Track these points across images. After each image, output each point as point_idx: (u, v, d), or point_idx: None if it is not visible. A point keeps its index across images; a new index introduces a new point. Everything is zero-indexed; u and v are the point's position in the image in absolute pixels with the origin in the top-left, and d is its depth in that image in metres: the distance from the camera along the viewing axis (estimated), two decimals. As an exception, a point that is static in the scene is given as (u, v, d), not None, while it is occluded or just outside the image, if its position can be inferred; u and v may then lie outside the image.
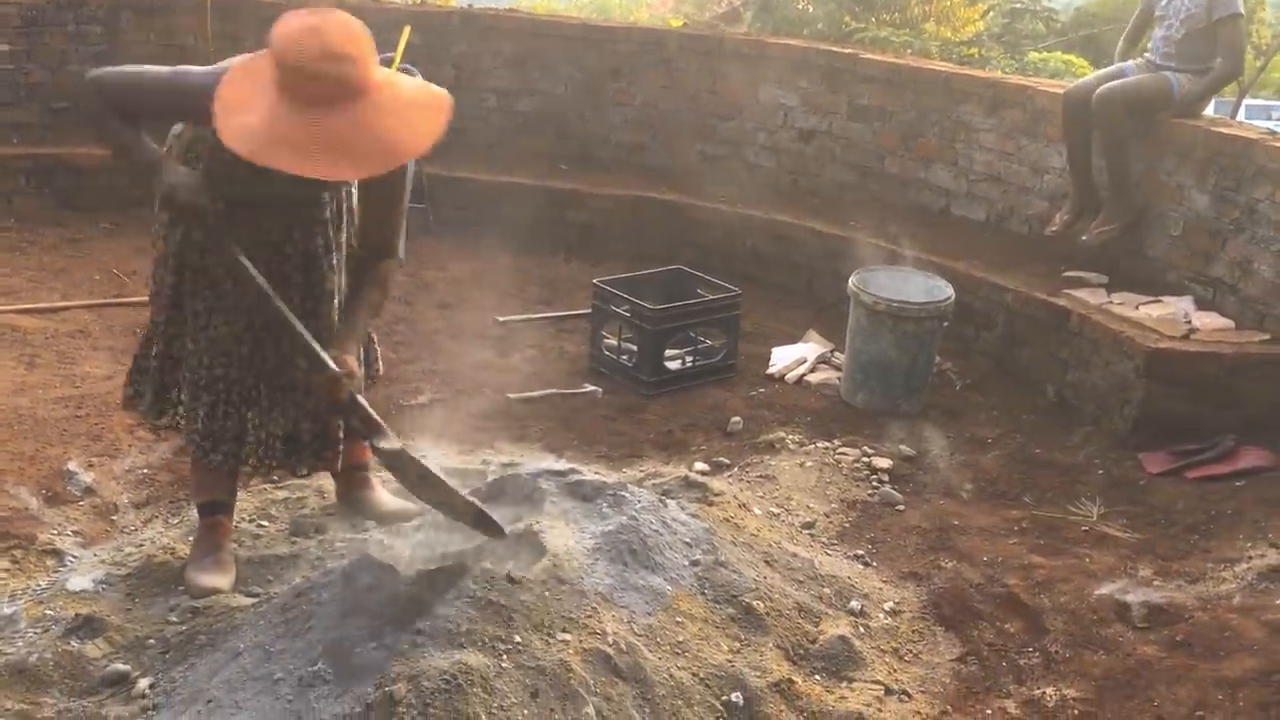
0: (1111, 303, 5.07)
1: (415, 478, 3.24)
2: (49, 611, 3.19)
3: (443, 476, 3.23)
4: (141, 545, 3.60)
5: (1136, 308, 5.01)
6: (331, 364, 3.14)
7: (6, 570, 3.43)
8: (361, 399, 3.23)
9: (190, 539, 3.52)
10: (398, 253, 3.35)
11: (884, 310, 4.94)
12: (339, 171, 2.84)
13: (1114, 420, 4.80)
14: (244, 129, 2.72)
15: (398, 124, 2.76)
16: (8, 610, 3.21)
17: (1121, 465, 4.58)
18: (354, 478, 3.79)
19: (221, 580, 3.33)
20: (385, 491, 3.88)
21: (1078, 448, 4.76)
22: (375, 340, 3.68)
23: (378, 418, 3.25)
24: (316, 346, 3.17)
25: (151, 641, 3.10)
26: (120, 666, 2.97)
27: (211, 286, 3.22)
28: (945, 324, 5.06)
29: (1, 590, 3.33)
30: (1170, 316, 4.92)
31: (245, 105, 2.74)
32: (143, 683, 2.93)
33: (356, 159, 2.75)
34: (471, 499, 3.20)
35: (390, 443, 3.22)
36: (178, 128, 3.28)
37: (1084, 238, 5.52)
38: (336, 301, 3.39)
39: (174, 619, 3.18)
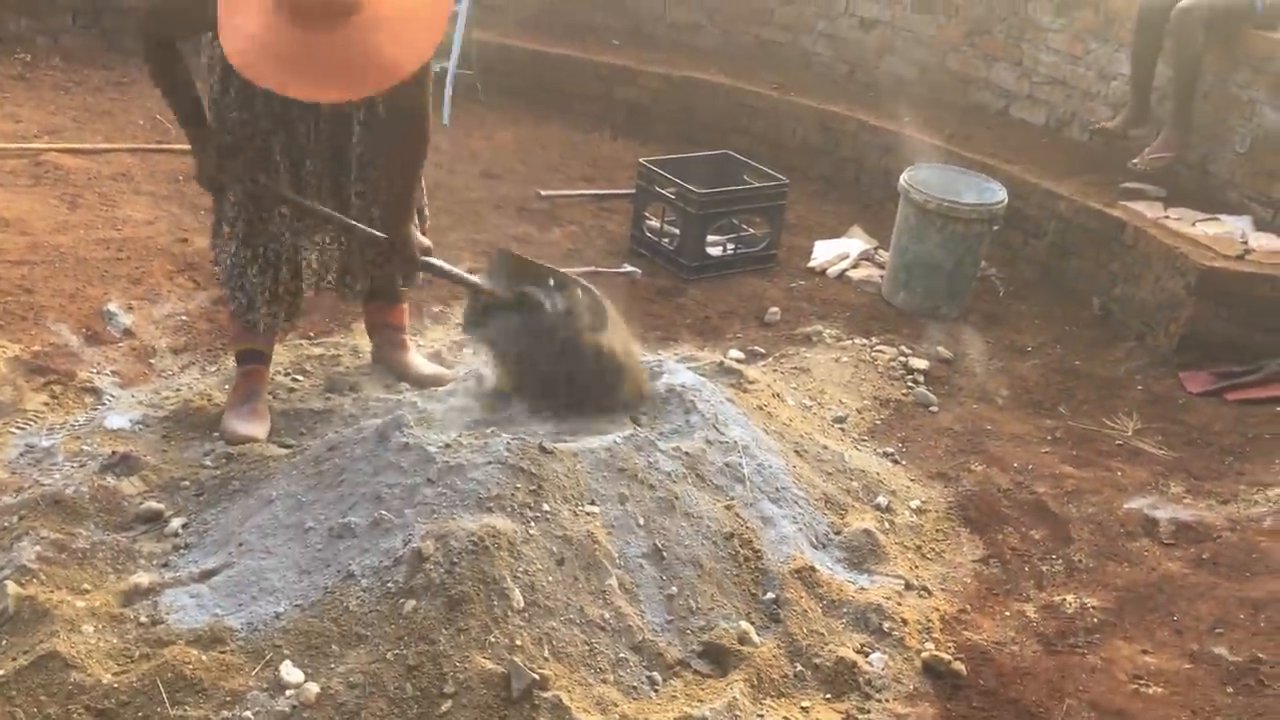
0: (1168, 217, 4.95)
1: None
2: (86, 447, 3.24)
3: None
4: (178, 390, 3.64)
5: (1193, 224, 4.89)
6: (381, 235, 3.25)
7: (46, 404, 3.47)
8: (436, 260, 3.37)
9: (227, 387, 3.55)
10: (425, 114, 3.23)
11: (934, 209, 4.84)
12: (329, 94, 2.73)
13: (1158, 337, 4.72)
14: (241, 39, 2.62)
15: (389, 42, 2.62)
16: (46, 443, 3.26)
17: (1162, 382, 4.52)
18: (391, 339, 3.79)
19: (257, 429, 3.36)
20: (420, 355, 3.88)
21: (1119, 362, 4.70)
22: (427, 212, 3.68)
23: (457, 270, 3.41)
24: (364, 227, 3.26)
25: (185, 483, 3.15)
26: (154, 505, 3.02)
27: (251, 139, 3.18)
28: (995, 228, 4.96)
29: (40, 423, 3.38)
30: (1227, 235, 4.80)
31: (245, 5, 2.63)
32: (175, 522, 2.98)
33: (347, 81, 2.64)
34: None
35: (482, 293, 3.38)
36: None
37: (1134, 162, 5.34)
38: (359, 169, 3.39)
39: (208, 463, 3.22)
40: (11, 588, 2.60)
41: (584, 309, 3.34)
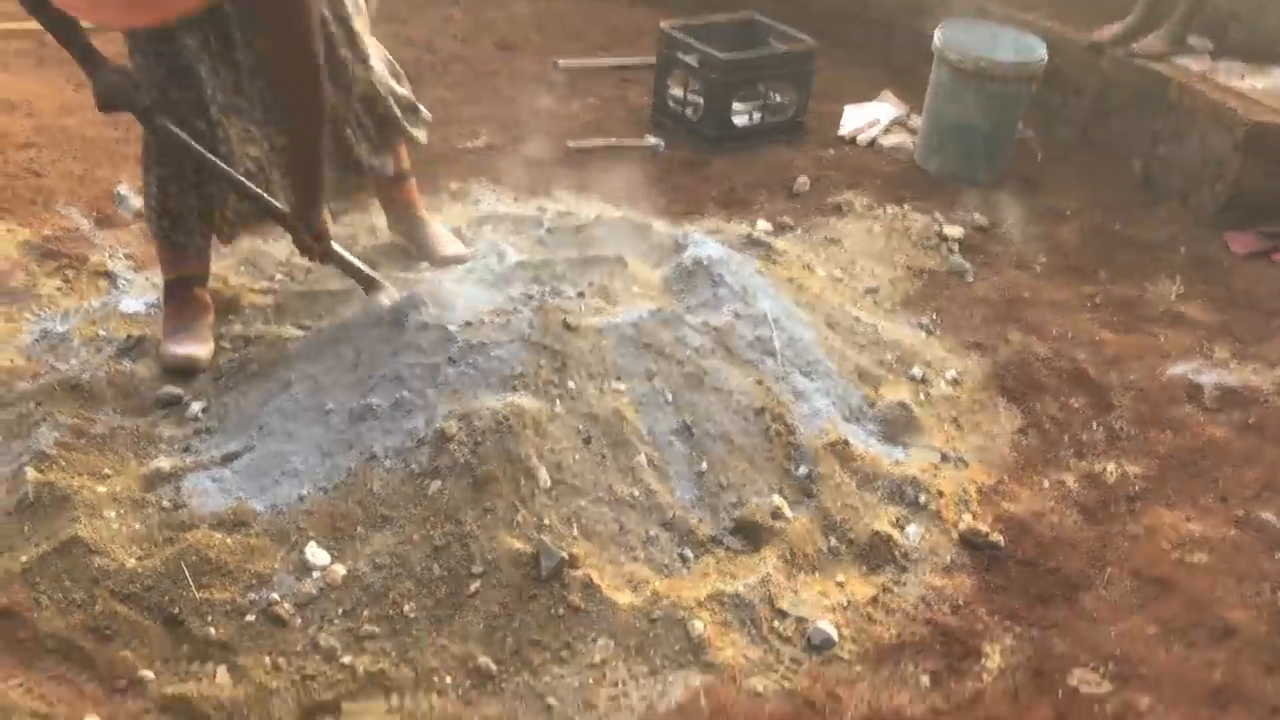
0: (1215, 71, 4.72)
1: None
2: (101, 332, 3.17)
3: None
4: (193, 273, 3.55)
5: (1242, 78, 4.66)
6: (293, 221, 2.97)
7: (59, 289, 3.40)
8: (344, 251, 3.09)
9: (242, 269, 3.45)
10: (300, 62, 2.70)
11: (970, 69, 4.63)
12: (94, 16, 2.50)
13: (1202, 198, 4.54)
14: None
15: None
16: (61, 328, 3.20)
17: (1205, 245, 4.36)
18: (405, 212, 3.64)
19: (198, 349, 3.08)
20: (438, 224, 3.75)
21: (1160, 225, 4.53)
22: (401, 115, 3.35)
23: (364, 267, 3.14)
24: (277, 206, 2.98)
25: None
26: (173, 389, 2.96)
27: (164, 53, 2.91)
28: (1033, 87, 4.75)
29: (54, 309, 3.31)
30: (1277, 89, 4.58)
31: None
32: (195, 406, 2.92)
33: (106, 7, 2.38)
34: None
35: (380, 293, 3.10)
36: None
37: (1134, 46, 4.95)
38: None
39: (225, 346, 3.15)
40: (31, 474, 2.57)
41: None
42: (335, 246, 3.08)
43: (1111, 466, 3.14)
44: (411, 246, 3.67)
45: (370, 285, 3.16)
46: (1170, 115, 4.71)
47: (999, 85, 4.63)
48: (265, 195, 2.98)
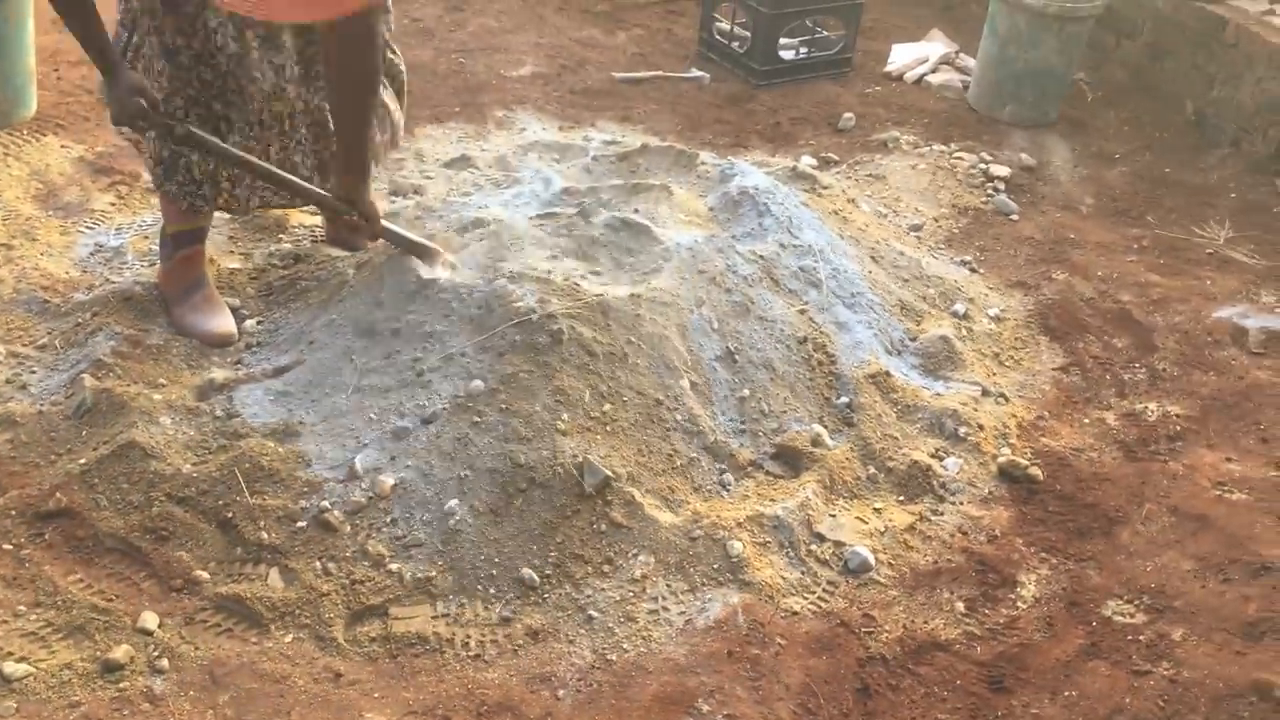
0: (1275, 12, 4.63)
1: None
2: (154, 246, 3.21)
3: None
4: (243, 192, 3.59)
5: (1302, 21, 4.58)
6: (340, 205, 2.80)
7: (112, 205, 3.45)
8: (395, 227, 2.90)
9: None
10: (371, 62, 2.62)
11: (1054, 13, 4.48)
12: (286, 14, 2.47)
13: (1255, 142, 4.48)
14: None
15: None
16: (114, 243, 3.25)
17: (1256, 190, 4.31)
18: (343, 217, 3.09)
19: (227, 320, 2.93)
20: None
21: (1211, 169, 4.47)
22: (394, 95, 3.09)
23: (419, 239, 2.94)
24: (320, 193, 2.79)
25: (254, 283, 3.12)
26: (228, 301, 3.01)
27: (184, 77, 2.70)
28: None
29: (108, 223, 3.36)
30: (1338, 34, 4.49)
31: None
32: (247, 321, 2.97)
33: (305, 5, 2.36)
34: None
35: (433, 270, 2.87)
36: None
37: None
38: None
39: (276, 264, 3.19)
40: (89, 380, 2.63)
41: None
42: (386, 224, 2.90)
43: (1153, 406, 3.14)
44: (351, 248, 3.26)
45: (427, 255, 2.92)
46: (1225, 58, 4.63)
47: (1077, 26, 4.54)
48: (304, 182, 2.78)
